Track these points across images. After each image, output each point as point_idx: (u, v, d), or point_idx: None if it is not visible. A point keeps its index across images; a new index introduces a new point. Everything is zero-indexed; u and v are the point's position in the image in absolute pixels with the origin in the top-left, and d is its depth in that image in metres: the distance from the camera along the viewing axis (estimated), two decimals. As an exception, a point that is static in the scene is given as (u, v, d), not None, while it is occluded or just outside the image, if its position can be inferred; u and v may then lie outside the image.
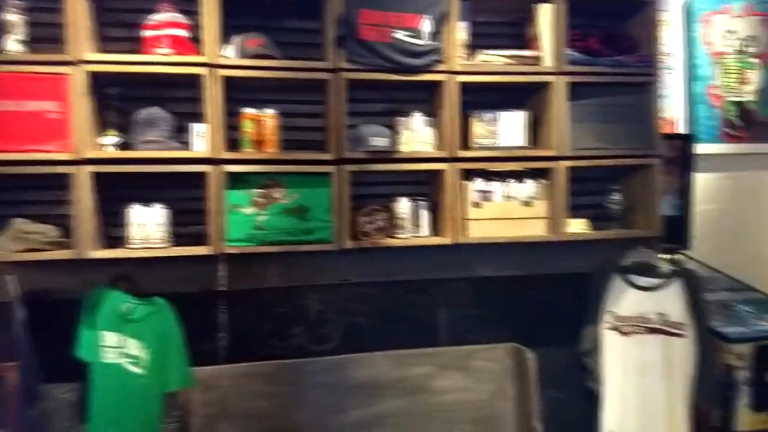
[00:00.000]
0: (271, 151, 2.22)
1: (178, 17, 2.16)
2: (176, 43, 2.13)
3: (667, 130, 3.06)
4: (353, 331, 2.47)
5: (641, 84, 2.50)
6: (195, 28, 2.16)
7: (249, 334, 2.36)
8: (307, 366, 2.37)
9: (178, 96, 2.27)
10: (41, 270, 2.14)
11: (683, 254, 2.87)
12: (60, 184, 2.10)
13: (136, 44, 2.19)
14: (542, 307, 2.57)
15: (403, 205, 2.39)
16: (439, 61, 2.32)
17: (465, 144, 2.41)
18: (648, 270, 2.44)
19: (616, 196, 2.59)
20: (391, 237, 2.35)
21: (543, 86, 2.43)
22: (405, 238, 2.37)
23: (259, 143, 2.21)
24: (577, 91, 2.42)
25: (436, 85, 2.35)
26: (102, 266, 2.11)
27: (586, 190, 2.57)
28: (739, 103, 3.34)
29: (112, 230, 2.22)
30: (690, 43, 3.28)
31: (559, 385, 2.56)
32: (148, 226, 2.15)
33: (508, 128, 2.44)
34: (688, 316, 2.37)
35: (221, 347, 2.33)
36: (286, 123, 2.29)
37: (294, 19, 2.39)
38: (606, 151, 2.46)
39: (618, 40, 2.54)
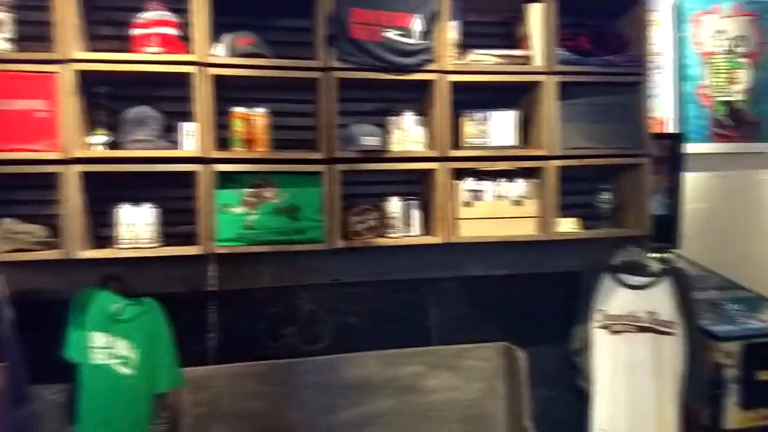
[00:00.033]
0: (261, 150, 2.21)
1: (168, 15, 2.15)
2: (165, 42, 2.12)
3: (657, 129, 3.08)
4: (344, 331, 2.47)
5: (631, 83, 2.51)
6: (184, 26, 2.15)
7: (239, 334, 2.36)
8: (298, 366, 2.37)
9: (168, 95, 2.25)
10: (29, 270, 2.12)
11: (673, 253, 2.88)
12: (48, 183, 2.08)
13: (125, 43, 2.17)
14: (533, 306, 2.58)
15: (394, 205, 2.39)
16: (430, 61, 2.32)
17: (456, 143, 2.41)
18: (638, 269, 2.46)
19: (606, 196, 2.60)
20: (382, 236, 2.35)
21: (533, 86, 2.44)
22: (396, 237, 2.37)
23: (249, 142, 2.20)
24: (567, 91, 2.42)
25: (427, 84, 2.35)
26: (91, 266, 2.10)
27: (576, 189, 2.57)
28: (728, 103, 3.37)
29: (101, 230, 2.20)
30: (680, 42, 3.30)
31: (550, 383, 2.57)
32: (137, 225, 2.13)
33: (498, 128, 2.44)
34: (678, 315, 2.39)
35: (211, 347, 2.32)
36: (276, 122, 2.29)
37: (284, 18, 2.38)
38: (596, 151, 2.47)
39: (608, 39, 2.54)
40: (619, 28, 2.63)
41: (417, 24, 2.29)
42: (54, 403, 2.20)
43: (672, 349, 2.38)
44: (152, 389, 2.11)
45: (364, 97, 2.46)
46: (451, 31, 2.36)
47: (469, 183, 2.42)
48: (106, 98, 2.20)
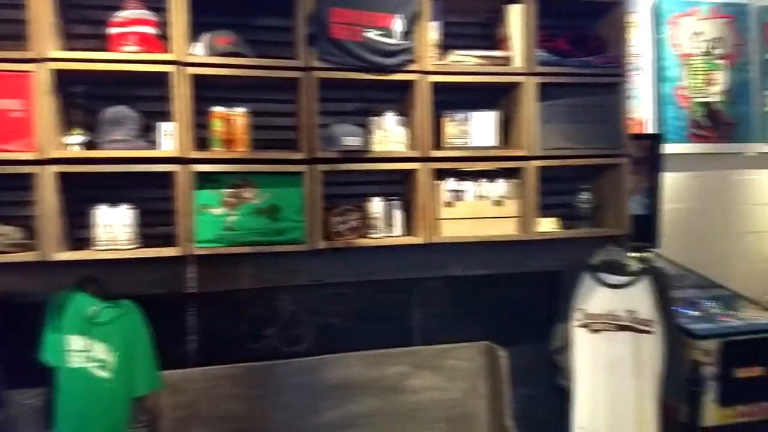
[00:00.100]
0: (241, 150, 2.20)
1: (146, 14, 2.13)
2: (143, 41, 2.10)
3: (636, 130, 3.12)
4: (326, 332, 2.46)
5: (609, 84, 2.54)
6: (163, 25, 2.13)
7: (219, 337, 2.34)
8: (280, 368, 2.35)
9: (146, 94, 2.23)
10: (4, 272, 2.08)
11: (652, 252, 2.92)
12: (24, 184, 2.05)
13: (102, 41, 2.15)
14: (514, 305, 2.59)
15: (376, 205, 2.39)
16: (410, 61, 2.32)
17: (437, 144, 2.41)
18: (617, 268, 2.48)
19: (586, 196, 2.62)
20: (364, 237, 2.35)
21: (513, 87, 2.45)
22: (378, 237, 2.37)
23: (228, 142, 2.19)
24: (546, 92, 2.44)
25: (408, 84, 2.36)
26: (67, 268, 2.07)
27: (555, 189, 2.59)
28: (706, 104, 3.42)
29: (78, 231, 2.17)
30: (658, 44, 3.35)
31: (531, 382, 2.58)
32: (114, 227, 2.11)
33: (479, 128, 2.46)
34: (657, 313, 2.41)
35: (191, 350, 2.30)
36: (256, 122, 2.27)
37: (264, 17, 2.37)
38: (575, 151, 2.49)
39: (587, 40, 2.57)
40: (597, 29, 2.66)
41: (398, 24, 2.29)
42: (30, 407, 2.17)
43: (651, 348, 2.41)
44: (130, 392, 2.08)
45: (346, 97, 2.46)
46: (431, 31, 2.36)
47: (451, 183, 2.43)
48: (82, 98, 2.18)
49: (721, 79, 3.45)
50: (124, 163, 2.07)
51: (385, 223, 2.40)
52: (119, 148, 2.09)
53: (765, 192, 3.58)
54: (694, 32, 3.41)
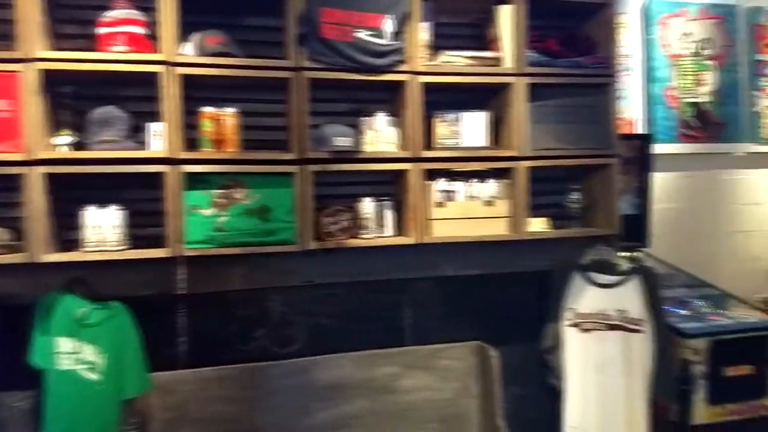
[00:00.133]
0: (231, 150, 2.19)
1: (135, 14, 2.12)
2: (132, 41, 2.09)
3: (625, 130, 3.14)
4: (318, 333, 2.46)
5: (599, 85, 2.55)
6: (152, 25, 2.12)
7: (210, 338, 2.32)
8: (271, 369, 2.34)
9: (135, 95, 2.22)
10: (-8, 274, 2.07)
11: (642, 252, 2.93)
12: (11, 185, 2.03)
13: (90, 41, 2.13)
14: (505, 305, 2.60)
15: (367, 206, 2.39)
16: (401, 61, 2.32)
17: (428, 144, 2.41)
18: (607, 267, 2.50)
19: (576, 196, 2.63)
20: (355, 237, 2.34)
21: (504, 87, 2.46)
22: (369, 238, 2.37)
23: (218, 143, 2.18)
24: (536, 92, 2.45)
25: (399, 85, 2.36)
26: (56, 270, 2.05)
27: (546, 189, 2.60)
28: (695, 104, 3.44)
29: (67, 233, 2.16)
30: (648, 45, 3.37)
31: (522, 382, 2.59)
32: (103, 228, 2.09)
33: (470, 129, 2.46)
34: (647, 313, 2.42)
35: (181, 352, 2.28)
36: (247, 122, 2.27)
37: (254, 17, 2.36)
38: (565, 152, 2.50)
39: (577, 41, 2.58)
40: (587, 30, 2.67)
41: (388, 25, 2.29)
42: (19, 410, 2.15)
43: (641, 347, 2.42)
44: (120, 395, 2.07)
45: (336, 97, 2.45)
46: (422, 32, 2.36)
47: (442, 183, 2.43)
48: (71, 98, 2.17)
49: (710, 79, 3.47)
50: (113, 164, 2.05)
51: (376, 223, 2.39)
52: (108, 149, 2.07)
53: (754, 192, 3.61)
54: (684, 33, 3.43)
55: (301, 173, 2.22)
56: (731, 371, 2.63)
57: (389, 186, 2.49)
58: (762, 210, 3.62)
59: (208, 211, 2.17)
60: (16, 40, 1.99)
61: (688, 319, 2.75)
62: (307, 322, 2.45)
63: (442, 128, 2.45)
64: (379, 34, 2.28)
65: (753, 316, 2.82)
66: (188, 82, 2.12)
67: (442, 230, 2.40)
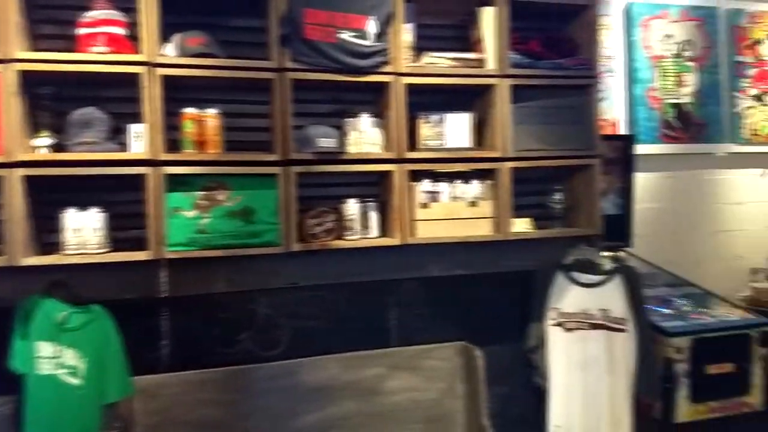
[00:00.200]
0: (213, 152, 2.17)
1: (115, 14, 2.09)
2: (112, 41, 2.06)
3: (608, 131, 3.17)
4: (303, 335, 2.44)
5: (582, 86, 2.57)
6: (132, 25, 2.10)
7: (194, 341, 2.30)
8: (255, 372, 2.33)
9: (115, 96, 2.19)
10: (-30, 278, 2.04)
11: (625, 251, 2.96)
12: (-11, 188, 2.00)
13: (70, 42, 2.11)
14: (489, 305, 2.60)
15: (352, 207, 2.38)
16: (385, 63, 2.32)
17: (412, 145, 2.42)
18: (590, 267, 2.52)
19: (558, 196, 2.65)
20: (340, 239, 2.34)
21: (487, 88, 2.47)
22: (354, 239, 2.36)
23: (200, 144, 2.16)
24: (519, 94, 2.46)
25: (383, 86, 2.36)
26: (35, 273, 2.02)
27: (529, 190, 2.61)
28: (676, 105, 3.48)
29: (46, 236, 2.13)
30: (630, 46, 3.40)
31: (507, 381, 2.59)
32: (84, 230, 2.07)
33: (454, 130, 2.47)
34: (629, 312, 2.44)
35: (164, 355, 2.26)
36: (229, 123, 2.25)
37: (237, 18, 2.34)
38: (548, 152, 2.51)
39: (559, 43, 2.60)
40: (570, 32, 2.69)
41: (371, 26, 2.29)
42: (-1, 415, 2.12)
43: (624, 346, 2.44)
44: (102, 399, 2.05)
45: (320, 98, 2.45)
46: (405, 33, 2.37)
47: (426, 184, 2.44)
48: (50, 99, 2.13)
49: (691, 80, 3.52)
50: (93, 166, 2.03)
51: (360, 224, 2.39)
52: (88, 151, 2.05)
53: (735, 191, 3.65)
54: (665, 35, 3.47)
55: (285, 174, 2.21)
56: (713, 369, 2.66)
57: (374, 187, 2.49)
58: (743, 209, 3.67)
59: (191, 213, 2.15)
60: (-6, 41, 1.96)
61: (670, 317, 2.77)
62: (292, 324, 2.43)
63: (426, 129, 2.45)
64: (362, 36, 2.28)
65: (735, 315, 2.86)
66: (169, 83, 2.10)
67: (427, 231, 2.40)
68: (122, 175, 2.06)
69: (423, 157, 2.40)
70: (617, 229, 2.93)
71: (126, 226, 2.17)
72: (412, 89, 2.35)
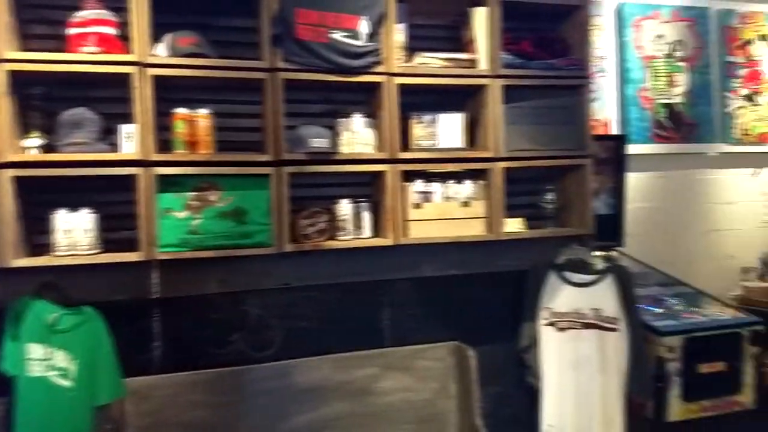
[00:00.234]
0: (204, 152, 2.16)
1: (105, 14, 2.08)
2: (103, 41, 2.05)
3: (600, 131, 3.18)
4: (296, 336, 2.44)
5: (573, 87, 2.57)
6: (123, 25, 2.09)
7: (185, 343, 2.29)
8: (249, 373, 2.32)
9: (106, 96, 2.18)
10: (-40, 280, 2.02)
11: (617, 251, 2.97)
12: (-21, 189, 1.99)
13: (60, 42, 2.10)
14: (482, 305, 2.60)
15: (344, 207, 2.38)
16: (377, 63, 2.32)
17: (405, 145, 2.42)
18: (582, 267, 2.52)
19: (550, 196, 2.65)
20: (333, 239, 2.34)
21: (479, 89, 2.47)
22: (346, 240, 2.36)
23: (192, 144, 2.15)
24: (511, 94, 2.47)
25: (375, 86, 2.35)
26: (26, 275, 2.00)
27: (521, 190, 2.62)
28: (668, 105, 3.50)
29: (37, 237, 2.12)
30: (621, 47, 3.41)
31: (500, 381, 2.60)
32: (74, 231, 2.06)
33: (446, 130, 2.47)
34: (621, 311, 2.45)
35: (156, 357, 2.25)
36: (221, 123, 2.25)
37: (228, 17, 2.34)
38: (540, 152, 2.52)
39: (551, 43, 2.60)
40: (561, 32, 2.69)
41: (363, 26, 2.29)
42: (-11, 418, 2.10)
43: (616, 345, 2.45)
44: (93, 401, 2.03)
45: (312, 98, 2.44)
46: (397, 33, 2.37)
47: (419, 185, 2.44)
48: (40, 99, 2.12)
49: (682, 80, 3.54)
50: (84, 167, 2.02)
51: (353, 225, 2.39)
52: (79, 151, 2.03)
53: (726, 191, 3.68)
54: (657, 35, 3.49)
55: (277, 175, 2.21)
56: (705, 368, 2.68)
57: (366, 187, 2.49)
58: (734, 209, 3.69)
59: (182, 214, 2.14)
60: (-17, 41, 1.95)
61: (662, 317, 2.78)
62: (285, 325, 2.43)
63: (418, 129, 2.45)
64: (354, 36, 2.28)
65: (726, 314, 2.87)
66: (161, 83, 2.09)
67: (420, 231, 2.40)
68: (113, 176, 2.05)
69: (415, 158, 2.40)
70: (609, 229, 2.94)
71: (117, 227, 2.16)
72: (404, 89, 2.35)
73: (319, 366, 2.40)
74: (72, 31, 2.06)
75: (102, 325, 2.05)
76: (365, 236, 2.40)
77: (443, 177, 2.48)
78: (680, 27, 3.54)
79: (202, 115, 2.17)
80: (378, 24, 2.31)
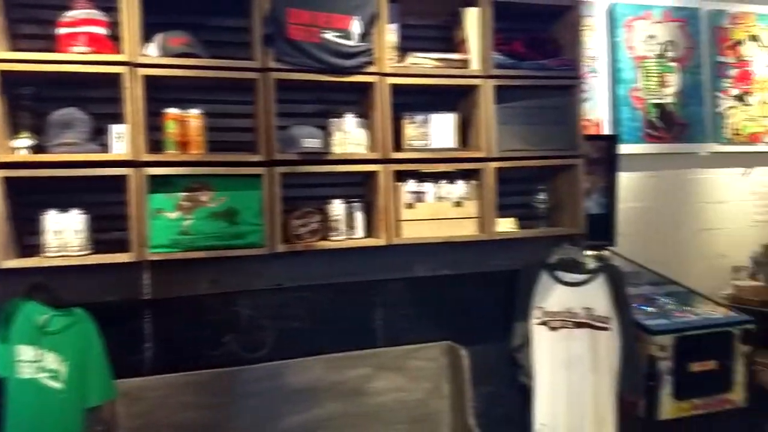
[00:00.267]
0: (196, 152, 2.16)
1: (96, 14, 2.07)
2: (93, 41, 2.04)
3: (592, 131, 3.19)
4: (288, 337, 2.43)
5: (565, 87, 2.58)
6: (114, 25, 2.08)
7: (177, 344, 2.28)
8: (241, 374, 2.31)
9: (97, 96, 2.17)
10: (-50, 281, 2.01)
11: (609, 250, 2.98)
12: (-31, 189, 1.97)
13: (50, 42, 2.08)
14: (474, 304, 2.61)
15: (337, 207, 2.38)
16: (369, 63, 2.32)
17: (397, 145, 2.42)
18: (573, 266, 2.53)
19: (542, 196, 2.66)
20: (325, 239, 2.33)
21: (471, 89, 2.47)
22: (339, 240, 2.36)
23: (183, 144, 2.14)
24: (502, 94, 2.47)
25: (368, 86, 2.35)
26: (16, 276, 1.99)
27: (513, 190, 2.63)
28: (659, 105, 3.51)
29: (27, 238, 2.11)
30: (613, 47, 3.43)
31: (493, 381, 2.60)
32: (65, 232, 2.04)
33: (439, 130, 2.47)
34: (613, 310, 2.46)
35: (147, 358, 2.24)
36: (212, 123, 2.24)
37: (220, 17, 2.33)
38: (531, 152, 2.53)
39: (542, 44, 2.61)
40: (553, 32, 2.70)
41: (355, 26, 2.29)
42: (-21, 421, 2.09)
43: (608, 344, 2.45)
44: (84, 403, 2.02)
45: (304, 98, 2.44)
46: (389, 33, 2.36)
47: (411, 185, 2.44)
48: (30, 100, 2.11)
49: (673, 81, 3.55)
50: (74, 167, 2.01)
51: (346, 225, 2.38)
52: (68, 152, 2.02)
53: (717, 190, 3.70)
54: (648, 35, 3.51)
55: (269, 175, 2.20)
56: (696, 367, 2.69)
57: (359, 187, 2.49)
58: (726, 208, 3.72)
59: (173, 215, 2.13)
60: (-28, 41, 1.94)
61: (654, 316, 2.79)
62: (277, 326, 2.42)
63: (411, 130, 2.45)
64: (346, 36, 2.28)
65: (717, 313, 2.89)
66: (152, 83, 2.09)
67: (412, 231, 2.40)
68: (104, 177, 2.04)
69: (408, 158, 2.40)
70: (601, 229, 2.95)
71: (108, 228, 2.15)
72: (396, 89, 2.35)
73: (311, 366, 2.40)
74: (62, 30, 2.05)
75: (92, 327, 2.04)
76: (358, 236, 2.39)
77: (435, 177, 2.48)
78: (671, 27, 3.56)
79: (194, 115, 2.17)
80: (370, 24, 2.31)
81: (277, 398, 2.35)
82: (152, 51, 2.13)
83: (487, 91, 2.44)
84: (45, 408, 1.97)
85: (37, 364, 1.97)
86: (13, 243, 2.04)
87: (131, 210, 2.05)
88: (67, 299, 2.03)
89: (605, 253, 2.91)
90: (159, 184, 2.10)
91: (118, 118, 2.06)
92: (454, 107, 2.54)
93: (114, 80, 2.04)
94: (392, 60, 2.37)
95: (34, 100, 2.11)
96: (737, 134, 3.72)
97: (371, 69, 2.32)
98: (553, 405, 2.46)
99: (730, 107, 3.71)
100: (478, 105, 2.46)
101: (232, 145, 2.30)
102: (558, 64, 2.55)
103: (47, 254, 2.04)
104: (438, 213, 2.44)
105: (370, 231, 2.42)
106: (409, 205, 2.41)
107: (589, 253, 2.70)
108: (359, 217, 2.41)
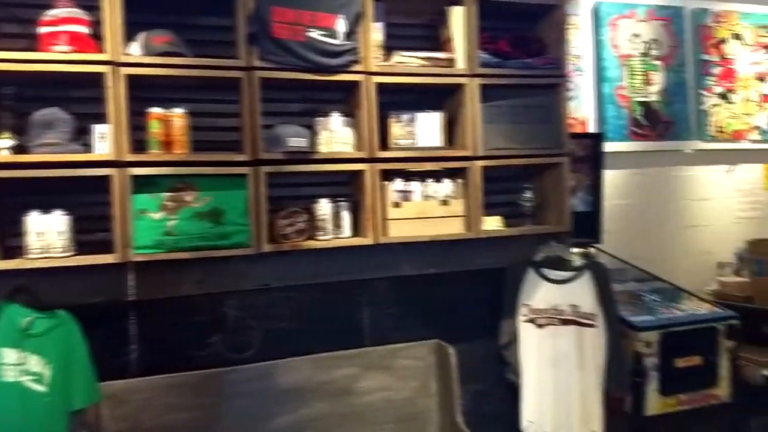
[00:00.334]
0: (180, 152, 2.14)
1: (77, 12, 2.05)
2: (75, 40, 2.02)
3: (577, 129, 3.21)
4: (275, 337, 2.42)
5: (550, 85, 2.59)
6: (96, 24, 2.06)
7: (163, 345, 2.26)
8: (227, 375, 2.30)
9: (79, 96, 2.15)
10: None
11: (595, 248, 3.00)
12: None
13: (31, 41, 2.06)
14: (461, 303, 2.62)
15: (324, 207, 2.37)
16: (355, 62, 2.31)
17: (384, 144, 2.41)
18: (559, 264, 2.55)
19: (528, 194, 2.67)
20: (312, 239, 2.32)
21: (457, 88, 2.48)
22: (326, 239, 2.35)
23: (167, 144, 2.12)
24: (488, 93, 2.48)
25: (353, 85, 2.35)
26: (-2, 278, 1.97)
27: (499, 188, 2.63)
28: (644, 103, 3.54)
29: (9, 240, 2.07)
30: (598, 45, 3.45)
31: (480, 378, 2.61)
32: (47, 234, 2.01)
33: (425, 129, 2.47)
34: (599, 307, 2.48)
35: (133, 360, 2.22)
36: (197, 123, 2.22)
37: (203, 16, 2.31)
38: (517, 151, 2.53)
39: (527, 42, 2.62)
40: (538, 31, 2.71)
41: (341, 25, 2.28)
42: (-39, 425, 2.06)
43: (594, 341, 2.47)
44: (68, 406, 2.00)
45: (290, 97, 2.43)
46: (375, 32, 2.36)
47: (398, 184, 2.44)
48: (11, 99, 2.08)
49: (658, 79, 3.58)
50: (57, 168, 1.98)
51: (332, 224, 2.38)
52: (50, 152, 1.99)
53: (702, 188, 3.74)
54: (633, 34, 3.53)
55: (255, 175, 2.19)
56: (682, 362, 2.72)
57: (345, 187, 2.48)
58: (710, 205, 3.75)
59: (157, 215, 2.11)
60: (-49, 40, 1.91)
61: (639, 312, 2.82)
62: (264, 326, 2.41)
63: (397, 128, 2.45)
64: (331, 34, 2.27)
65: (703, 309, 2.92)
66: (135, 82, 2.06)
67: (399, 230, 2.40)
68: (86, 177, 2.01)
69: (394, 156, 2.40)
70: (587, 226, 2.97)
71: (91, 229, 2.13)
72: (382, 88, 2.35)
73: (298, 367, 2.39)
74: (43, 29, 2.02)
75: (76, 329, 2.01)
76: (344, 236, 2.39)
77: (422, 176, 2.48)
78: (656, 26, 3.58)
79: (178, 114, 2.15)
80: (355, 23, 2.31)
81: (264, 399, 2.34)
82: (135, 50, 2.11)
83: (472, 89, 2.45)
84: (29, 411, 1.94)
85: (20, 367, 1.94)
86: (-6, 245, 2.02)
87: (115, 211, 2.03)
88: (50, 301, 2.00)
89: (591, 250, 2.92)
90: (143, 185, 2.08)
91: (100, 118, 2.04)
92: (440, 106, 2.55)
93: (96, 79, 2.02)
94: (378, 59, 2.37)
95: (16, 100, 2.08)
96: (721, 132, 3.76)
97: (357, 68, 2.32)
98: (540, 402, 2.47)
99: (714, 105, 3.74)
100: (464, 104, 2.46)
101: (217, 145, 2.28)
102: (543, 63, 2.56)
103: (30, 256, 2.01)
104: (425, 212, 2.44)
105: (356, 230, 2.41)
106: (396, 204, 2.41)
107: (575, 250, 2.71)
108: (346, 217, 2.40)
